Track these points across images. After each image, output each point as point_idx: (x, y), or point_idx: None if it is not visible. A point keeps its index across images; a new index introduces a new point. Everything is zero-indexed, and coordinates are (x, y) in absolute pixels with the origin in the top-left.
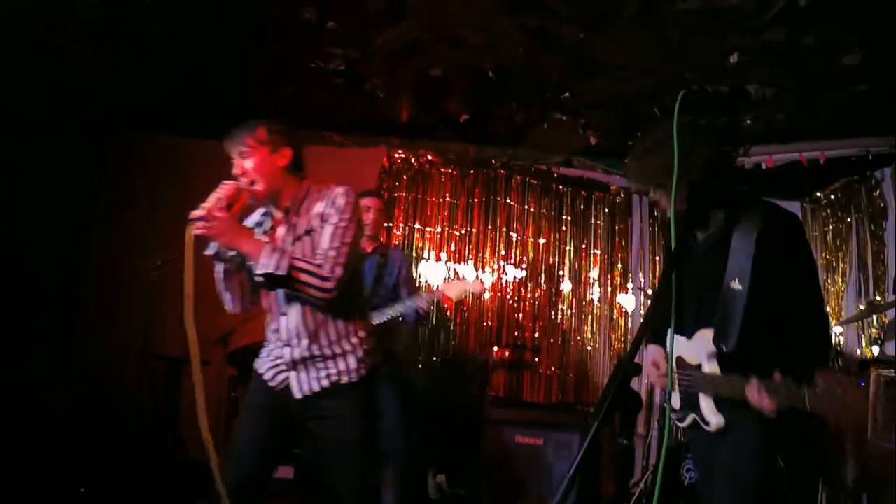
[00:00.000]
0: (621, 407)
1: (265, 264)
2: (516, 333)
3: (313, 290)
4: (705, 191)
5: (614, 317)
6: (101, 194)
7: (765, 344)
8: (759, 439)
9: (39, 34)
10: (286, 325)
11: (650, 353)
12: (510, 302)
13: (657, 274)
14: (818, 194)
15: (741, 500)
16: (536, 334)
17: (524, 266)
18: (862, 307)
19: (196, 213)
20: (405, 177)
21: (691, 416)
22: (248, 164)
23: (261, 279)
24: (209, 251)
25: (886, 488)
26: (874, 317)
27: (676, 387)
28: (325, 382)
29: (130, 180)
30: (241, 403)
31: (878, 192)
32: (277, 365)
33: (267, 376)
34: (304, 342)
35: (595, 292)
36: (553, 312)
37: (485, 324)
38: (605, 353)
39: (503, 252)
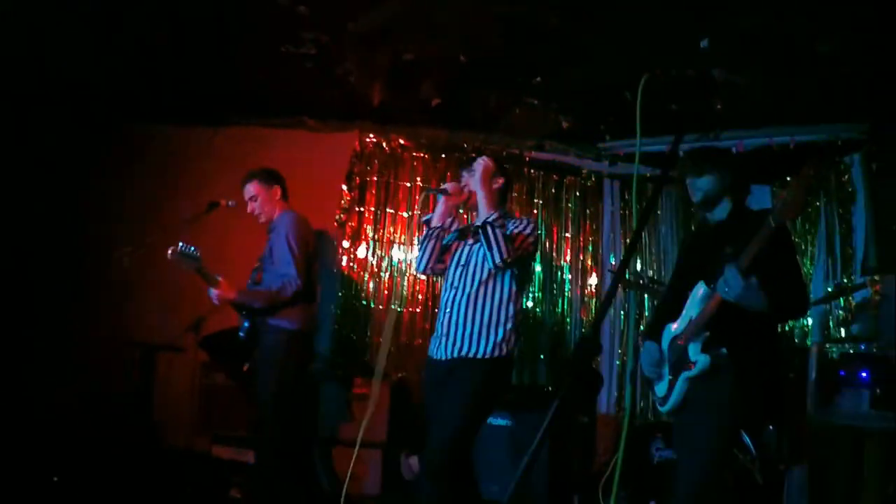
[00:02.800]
0: (582, 385)
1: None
2: None
3: (495, 252)
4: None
5: (585, 299)
6: (77, 182)
7: None
8: (734, 383)
9: (23, 23)
10: (453, 296)
11: (646, 350)
12: None
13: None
14: (788, 178)
15: (716, 425)
16: None
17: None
18: (830, 290)
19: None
20: (377, 161)
21: (676, 394)
22: (472, 180)
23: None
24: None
25: (827, 463)
26: (841, 299)
27: (665, 373)
28: (461, 353)
29: (106, 167)
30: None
31: (846, 177)
32: (437, 333)
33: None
34: (462, 312)
35: (566, 275)
36: (524, 295)
37: None
38: (575, 335)
39: None
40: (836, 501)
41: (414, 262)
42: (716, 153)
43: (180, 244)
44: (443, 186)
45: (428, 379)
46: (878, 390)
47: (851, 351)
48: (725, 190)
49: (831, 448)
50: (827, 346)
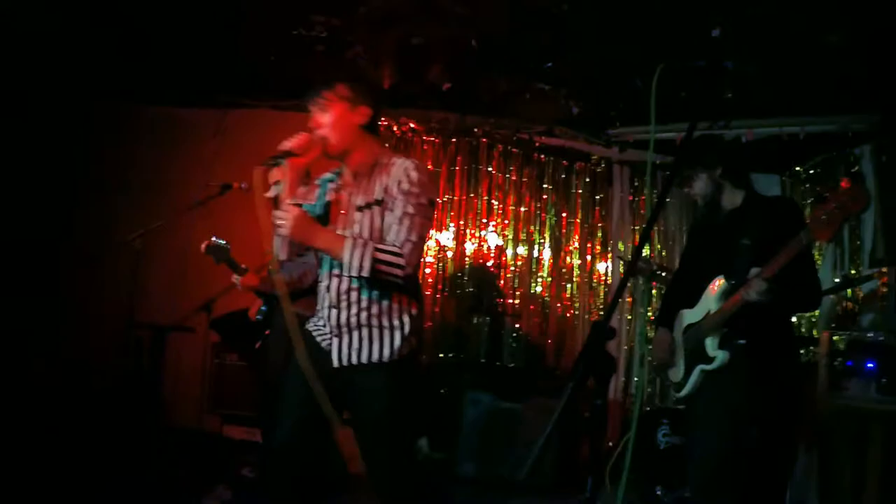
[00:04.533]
0: (596, 369)
1: (350, 265)
2: (497, 300)
3: (392, 277)
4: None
5: (593, 284)
6: (85, 163)
7: None
8: (750, 376)
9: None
10: (337, 286)
11: (657, 337)
12: (491, 269)
13: (634, 242)
14: (797, 169)
15: (729, 416)
16: (517, 301)
17: (505, 234)
18: (838, 281)
19: (275, 153)
20: (387, 144)
21: (691, 383)
22: (325, 118)
23: (347, 275)
24: (270, 193)
25: (836, 446)
26: (849, 290)
27: (680, 360)
28: (364, 358)
29: (115, 148)
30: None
31: (856, 168)
32: (320, 329)
33: (321, 342)
34: (354, 309)
35: (575, 260)
36: (533, 280)
37: (466, 290)
38: (584, 320)
39: (484, 220)
40: (842, 485)
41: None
42: (697, 152)
43: (213, 238)
44: (282, 147)
45: None
46: (884, 379)
47: (865, 338)
48: (720, 179)
49: (838, 433)
50: (835, 337)
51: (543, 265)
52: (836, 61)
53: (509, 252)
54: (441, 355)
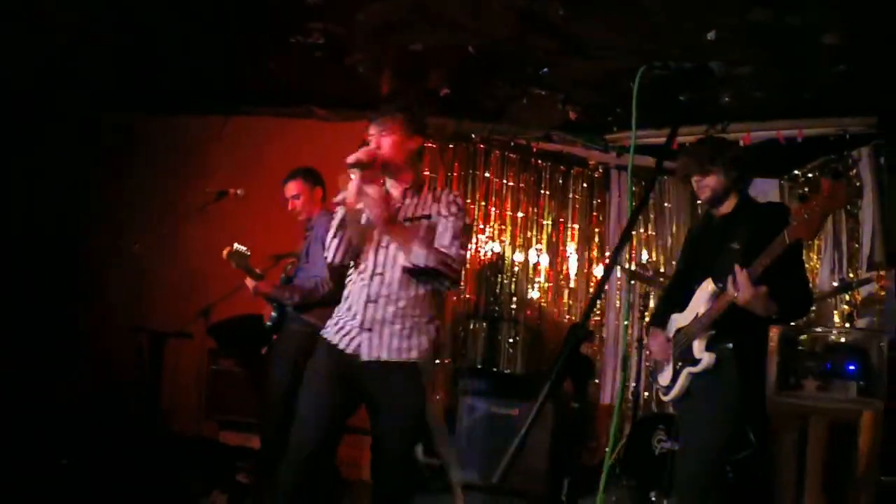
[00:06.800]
0: (573, 372)
1: (419, 255)
2: (494, 306)
3: (445, 275)
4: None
5: (590, 290)
6: (89, 172)
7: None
8: (738, 378)
9: (26, 11)
10: (379, 282)
11: (652, 337)
12: (488, 274)
13: (633, 247)
14: (796, 172)
15: (717, 418)
16: (514, 306)
17: (502, 239)
18: (836, 284)
19: (352, 158)
20: None
21: (678, 385)
22: (387, 141)
23: (407, 265)
24: (338, 199)
25: (782, 445)
26: (847, 293)
27: (668, 363)
28: (396, 355)
29: (117, 156)
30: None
31: (854, 171)
32: (350, 329)
33: (336, 340)
34: (392, 306)
35: (572, 265)
36: (530, 285)
37: (462, 296)
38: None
39: (481, 225)
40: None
41: None
42: (719, 148)
43: (235, 244)
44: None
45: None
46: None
47: (843, 340)
48: (732, 185)
49: (784, 432)
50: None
51: (541, 270)
52: (833, 64)
53: (506, 257)
54: (437, 361)
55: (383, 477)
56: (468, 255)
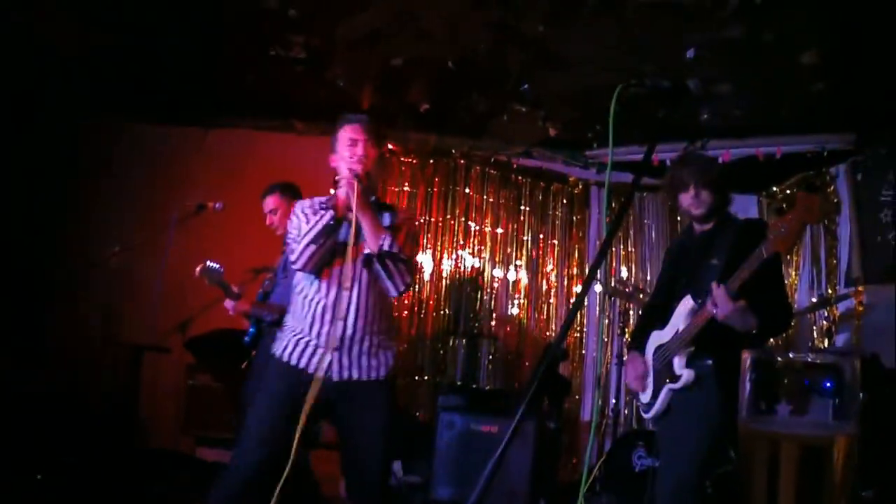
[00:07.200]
0: (549, 391)
1: (384, 240)
2: (473, 322)
3: (398, 280)
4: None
5: (570, 306)
6: (64, 180)
7: None
8: (718, 394)
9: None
10: (347, 298)
11: (629, 363)
12: (468, 291)
13: (613, 265)
14: (774, 188)
15: (696, 433)
16: (493, 323)
17: (482, 255)
18: (814, 300)
19: (356, 167)
20: None
21: (659, 402)
22: (373, 152)
23: (370, 251)
24: (327, 201)
25: (753, 470)
26: (825, 309)
27: (649, 382)
28: (366, 374)
29: (95, 166)
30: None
31: (832, 188)
32: (315, 348)
33: (296, 361)
34: (361, 322)
35: (552, 282)
36: (510, 301)
37: (442, 312)
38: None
39: (461, 241)
40: None
41: None
42: (711, 164)
43: (207, 261)
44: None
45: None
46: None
47: (818, 361)
48: (723, 201)
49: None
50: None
51: (520, 287)
52: (810, 81)
53: (486, 273)
54: (416, 377)
55: (364, 498)
56: (444, 271)
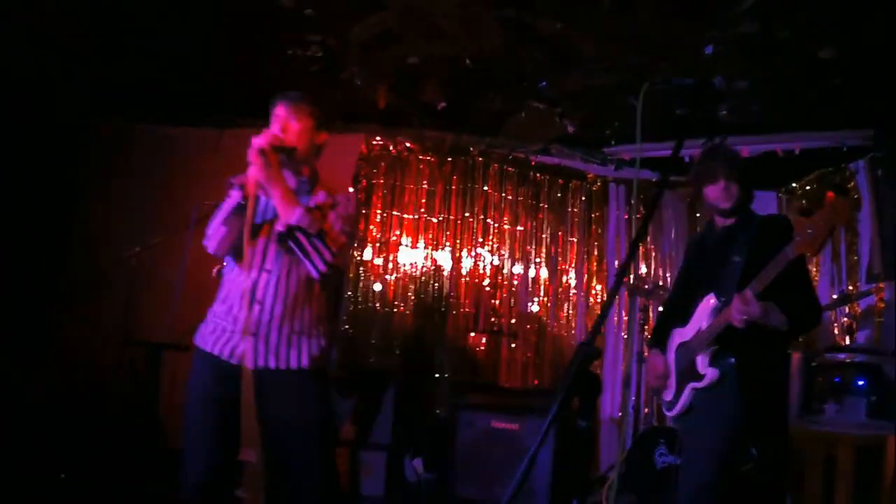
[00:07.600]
0: (581, 390)
1: (295, 212)
2: (493, 319)
3: (316, 259)
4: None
5: (590, 303)
6: (81, 181)
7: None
8: (740, 392)
9: (18, 18)
10: (266, 282)
11: (650, 361)
12: (487, 288)
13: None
14: (793, 185)
15: (719, 431)
16: (513, 320)
17: (501, 253)
18: (835, 296)
19: (259, 141)
20: (383, 164)
21: (682, 401)
22: (295, 126)
23: (280, 228)
24: (236, 179)
25: (808, 470)
26: (846, 306)
27: (672, 381)
28: (284, 363)
29: (112, 166)
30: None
31: (852, 183)
32: (229, 335)
33: (210, 348)
34: (279, 307)
35: (571, 279)
36: (529, 299)
37: (462, 310)
38: (580, 339)
39: (480, 239)
40: None
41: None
42: (736, 157)
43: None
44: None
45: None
46: (873, 398)
47: (848, 360)
48: (746, 195)
49: (808, 456)
50: (827, 355)
51: (540, 284)
52: (829, 77)
53: (505, 271)
54: (437, 375)
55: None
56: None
